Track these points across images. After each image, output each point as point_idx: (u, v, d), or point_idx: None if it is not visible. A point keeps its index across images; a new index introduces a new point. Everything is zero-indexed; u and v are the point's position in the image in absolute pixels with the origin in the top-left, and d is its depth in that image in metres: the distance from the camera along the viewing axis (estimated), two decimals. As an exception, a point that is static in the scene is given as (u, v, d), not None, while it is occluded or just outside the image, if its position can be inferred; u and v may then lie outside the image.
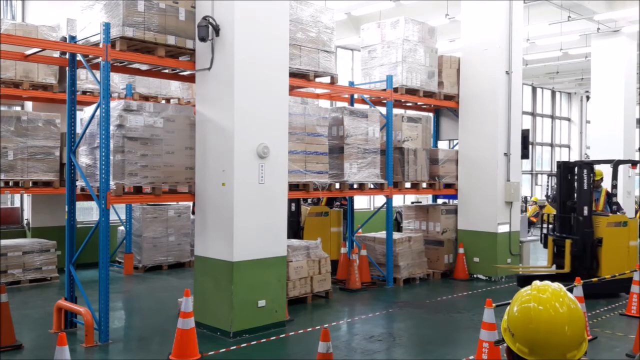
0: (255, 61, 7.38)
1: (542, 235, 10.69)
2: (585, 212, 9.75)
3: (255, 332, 7.33)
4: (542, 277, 9.14)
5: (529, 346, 1.80)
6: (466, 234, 11.79)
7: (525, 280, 10.30)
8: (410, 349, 7.23)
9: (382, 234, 11.25)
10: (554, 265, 10.28)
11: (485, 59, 11.59)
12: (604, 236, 9.71)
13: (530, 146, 16.91)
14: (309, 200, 12.69)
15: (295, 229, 11.30)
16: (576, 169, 10.09)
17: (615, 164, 10.42)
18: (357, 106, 11.12)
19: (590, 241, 9.71)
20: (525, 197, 21.55)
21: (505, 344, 1.92)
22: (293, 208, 11.32)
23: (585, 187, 9.81)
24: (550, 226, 10.83)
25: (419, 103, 12.41)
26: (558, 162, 10.64)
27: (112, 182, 7.26)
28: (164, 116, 7.72)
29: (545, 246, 10.51)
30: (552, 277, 9.43)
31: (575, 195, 9.99)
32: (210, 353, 6.63)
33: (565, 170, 10.31)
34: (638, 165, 11.26)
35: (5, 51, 7.37)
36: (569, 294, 1.85)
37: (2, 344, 6.58)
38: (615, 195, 10.57)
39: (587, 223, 9.76)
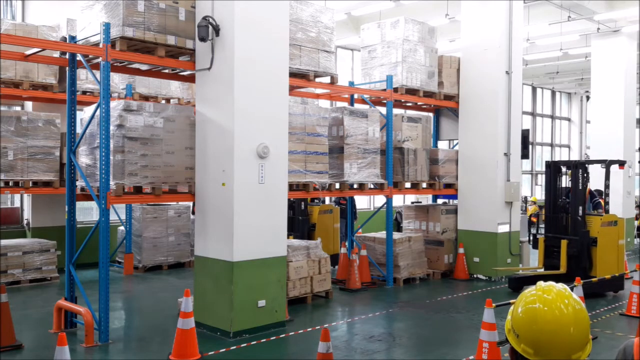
0: (255, 61, 7.38)
1: (531, 236, 10.60)
2: (580, 212, 9.81)
3: (255, 332, 7.33)
4: (536, 279, 9.14)
5: (534, 347, 1.79)
6: (466, 234, 11.78)
7: (517, 282, 10.26)
8: (410, 349, 7.23)
9: (382, 234, 11.25)
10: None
11: (485, 59, 11.58)
12: (598, 236, 9.77)
13: (530, 146, 16.89)
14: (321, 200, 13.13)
15: (306, 228, 11.39)
16: (570, 169, 10.11)
17: (608, 164, 10.44)
18: (357, 106, 11.11)
19: (587, 241, 9.75)
20: (525, 197, 21.54)
21: (507, 345, 1.91)
22: (303, 207, 11.51)
23: (580, 187, 9.85)
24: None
25: (419, 103, 12.41)
26: (547, 161, 10.60)
27: (112, 182, 7.26)
28: (164, 116, 7.71)
29: (535, 247, 10.46)
30: (548, 279, 9.40)
31: (570, 195, 10.03)
32: (210, 353, 6.63)
33: (554, 170, 10.31)
34: (625, 165, 11.28)
35: (5, 51, 7.37)
36: (573, 294, 1.85)
37: (2, 344, 6.58)
38: (608, 194, 10.58)
39: (583, 223, 9.81)
